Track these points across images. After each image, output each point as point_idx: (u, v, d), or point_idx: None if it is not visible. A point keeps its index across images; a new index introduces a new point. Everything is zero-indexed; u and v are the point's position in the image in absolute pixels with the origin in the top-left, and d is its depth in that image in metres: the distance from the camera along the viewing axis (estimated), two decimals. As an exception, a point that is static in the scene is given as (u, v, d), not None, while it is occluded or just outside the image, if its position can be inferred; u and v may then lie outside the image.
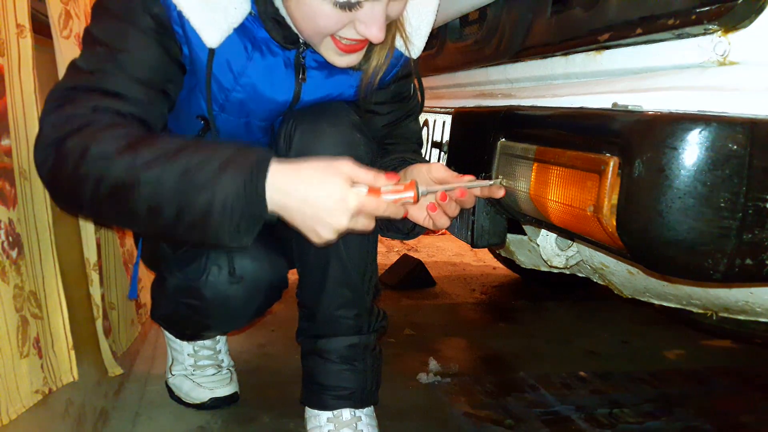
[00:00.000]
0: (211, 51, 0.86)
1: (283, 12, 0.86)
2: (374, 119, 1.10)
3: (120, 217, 0.79)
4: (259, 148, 0.76)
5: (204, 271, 0.97)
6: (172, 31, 0.84)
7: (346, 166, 0.76)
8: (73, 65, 0.82)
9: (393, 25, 0.92)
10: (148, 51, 0.82)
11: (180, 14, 0.82)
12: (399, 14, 0.86)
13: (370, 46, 0.91)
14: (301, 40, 0.91)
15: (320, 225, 0.75)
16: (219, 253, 0.98)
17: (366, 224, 0.78)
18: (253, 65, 0.91)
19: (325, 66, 0.95)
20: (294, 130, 0.96)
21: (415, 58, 1.01)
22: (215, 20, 0.83)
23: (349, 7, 0.77)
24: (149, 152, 0.74)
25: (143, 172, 0.73)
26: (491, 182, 0.89)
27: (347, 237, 0.98)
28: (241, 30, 0.87)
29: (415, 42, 0.98)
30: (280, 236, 1.11)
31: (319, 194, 0.74)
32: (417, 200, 0.81)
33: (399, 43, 0.97)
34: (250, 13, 0.86)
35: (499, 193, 0.88)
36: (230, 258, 0.97)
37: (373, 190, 0.77)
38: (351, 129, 0.96)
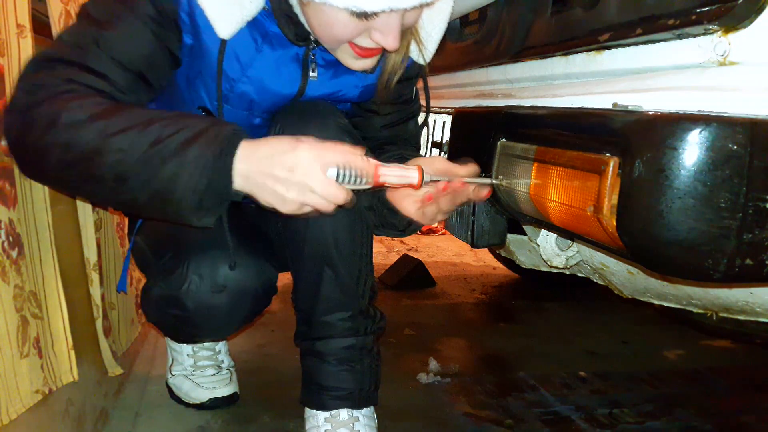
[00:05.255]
0: (223, 42, 0.86)
1: (296, 9, 0.86)
2: (374, 119, 1.10)
3: (85, 185, 0.77)
4: (232, 124, 0.76)
5: (185, 280, 0.95)
6: (176, 20, 0.84)
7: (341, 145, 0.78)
8: (58, 38, 0.81)
9: (408, 32, 0.93)
10: (139, 37, 0.81)
11: (191, 2, 0.82)
12: (414, 22, 0.87)
13: (386, 51, 0.92)
14: (312, 38, 0.91)
15: (287, 184, 0.74)
16: (200, 261, 0.96)
17: (346, 195, 0.77)
18: (261, 57, 0.91)
19: (333, 65, 0.95)
20: (281, 135, 0.95)
21: (425, 63, 1.01)
22: (231, 12, 0.84)
23: (365, 16, 0.78)
24: (121, 120, 0.73)
25: (114, 138, 0.72)
26: (492, 180, 0.89)
27: (339, 241, 0.98)
28: (253, 24, 0.88)
29: (428, 47, 0.98)
30: (272, 240, 1.11)
31: (286, 148, 0.74)
32: (420, 184, 0.81)
33: (413, 47, 0.97)
34: (264, 8, 0.87)
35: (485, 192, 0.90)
36: (213, 266, 0.95)
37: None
38: (339, 132, 0.96)
